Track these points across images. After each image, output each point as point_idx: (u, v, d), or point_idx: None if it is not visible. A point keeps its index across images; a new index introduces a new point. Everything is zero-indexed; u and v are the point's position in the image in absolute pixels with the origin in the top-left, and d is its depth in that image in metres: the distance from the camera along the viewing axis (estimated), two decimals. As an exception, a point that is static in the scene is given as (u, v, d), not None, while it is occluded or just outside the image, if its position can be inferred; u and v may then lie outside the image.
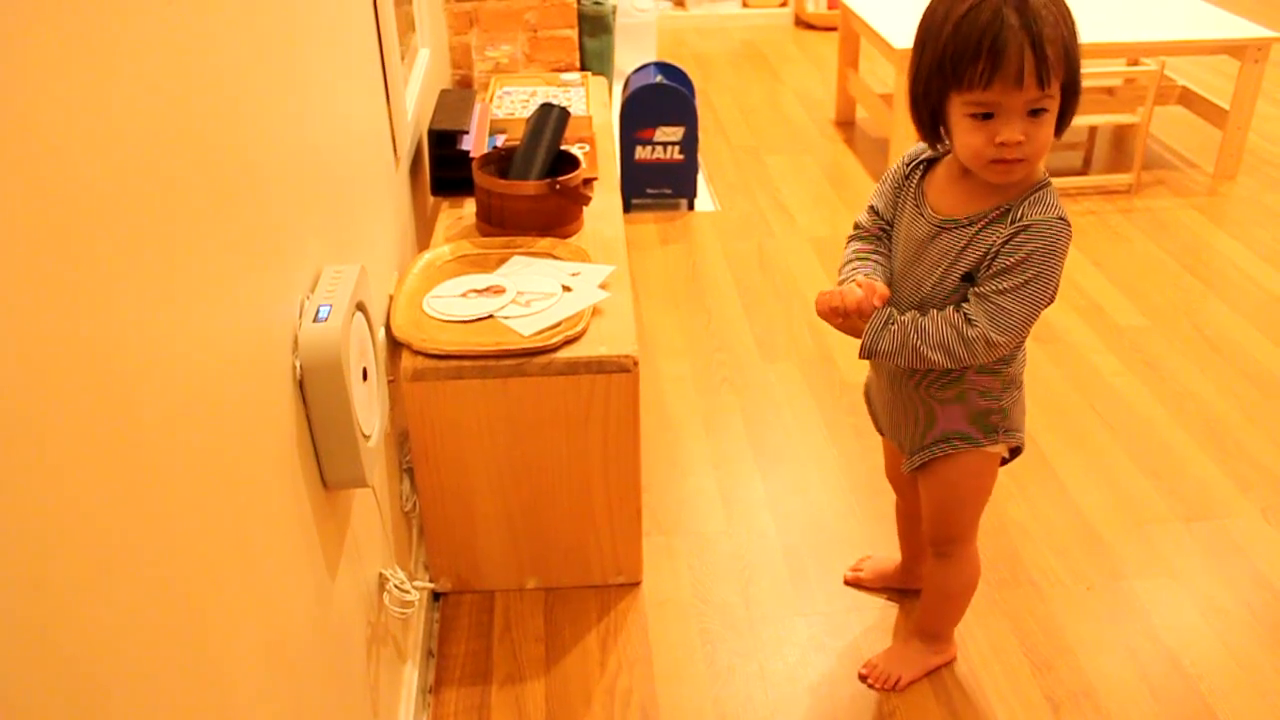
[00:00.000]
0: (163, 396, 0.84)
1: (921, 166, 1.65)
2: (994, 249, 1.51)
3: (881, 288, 1.58)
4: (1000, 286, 1.50)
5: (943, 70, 1.44)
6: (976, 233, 1.53)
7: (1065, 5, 1.44)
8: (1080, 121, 4.03)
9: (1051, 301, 1.56)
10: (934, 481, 1.78)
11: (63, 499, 0.68)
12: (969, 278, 1.55)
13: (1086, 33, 4.08)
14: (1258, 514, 2.35)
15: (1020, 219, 1.49)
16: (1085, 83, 4.34)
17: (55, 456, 0.67)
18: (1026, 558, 2.23)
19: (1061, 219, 1.50)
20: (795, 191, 4.02)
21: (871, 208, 1.73)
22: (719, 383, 2.84)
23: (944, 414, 1.69)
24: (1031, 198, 1.50)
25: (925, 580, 1.96)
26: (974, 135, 1.46)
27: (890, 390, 1.76)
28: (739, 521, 2.35)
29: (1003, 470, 2.43)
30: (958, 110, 1.46)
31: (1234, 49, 3.94)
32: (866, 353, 1.61)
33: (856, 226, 1.75)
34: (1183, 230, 3.70)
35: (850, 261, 1.70)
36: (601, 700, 1.92)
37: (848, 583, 2.17)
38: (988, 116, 1.44)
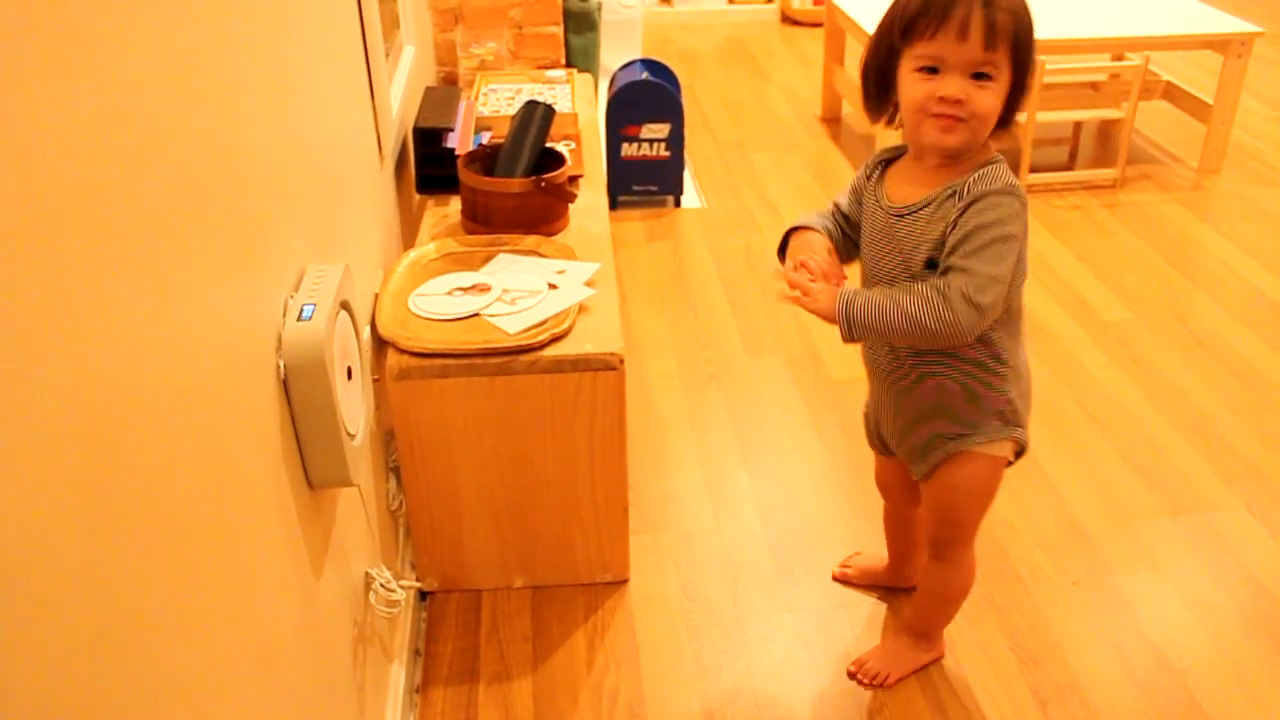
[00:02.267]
0: (145, 396, 0.84)
1: (880, 166, 1.68)
2: (949, 226, 1.52)
3: (836, 266, 1.63)
4: (964, 252, 1.50)
5: (896, 27, 1.50)
6: (931, 213, 1.55)
7: None
8: (1065, 116, 4.05)
9: (1023, 275, 1.58)
10: (939, 485, 1.77)
11: (43, 498, 0.67)
12: (933, 264, 1.55)
13: (1071, 28, 4.07)
14: (1242, 508, 2.36)
15: (968, 192, 1.51)
16: (1070, 78, 4.33)
17: (35, 455, 0.67)
18: (1013, 553, 2.24)
19: (1011, 186, 1.51)
20: (781, 188, 4.02)
21: (836, 205, 1.76)
22: (705, 380, 2.84)
23: (953, 410, 1.68)
24: (978, 174, 1.52)
25: (920, 581, 1.96)
26: (918, 88, 1.49)
27: (895, 398, 1.74)
28: (726, 519, 2.35)
29: (989, 466, 2.44)
30: (906, 68, 1.50)
31: (1218, 44, 3.96)
32: (845, 328, 1.55)
33: (833, 205, 1.77)
34: (1167, 225, 3.71)
35: (811, 222, 1.74)
36: (589, 698, 1.92)
37: (835, 579, 2.17)
38: (933, 71, 1.47)
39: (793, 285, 1.59)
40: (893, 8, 1.52)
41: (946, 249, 1.52)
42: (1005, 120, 1.52)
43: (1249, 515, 2.34)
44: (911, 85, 1.50)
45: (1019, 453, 1.75)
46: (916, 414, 1.73)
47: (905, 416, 1.75)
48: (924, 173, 1.59)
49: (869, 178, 1.69)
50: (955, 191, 1.53)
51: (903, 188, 1.61)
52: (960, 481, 1.74)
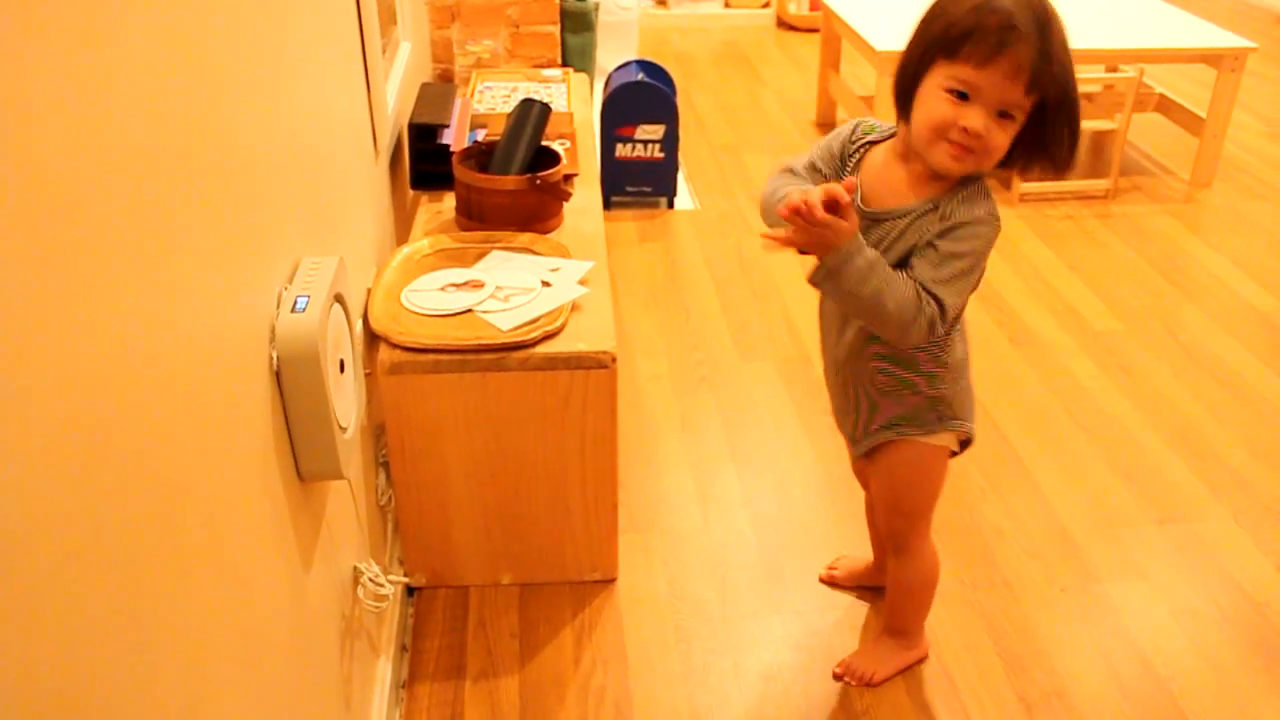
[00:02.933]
0: (136, 385, 0.84)
1: (863, 149, 1.62)
2: (923, 241, 1.51)
3: (850, 181, 1.46)
4: (937, 278, 1.49)
5: (946, 39, 1.43)
6: (906, 226, 1.53)
7: (1069, 43, 1.45)
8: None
9: (974, 290, 1.58)
10: (882, 471, 1.80)
11: (32, 489, 0.67)
12: (899, 267, 1.53)
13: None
14: (1228, 517, 2.37)
15: (950, 216, 1.50)
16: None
17: (25, 446, 0.67)
18: (1001, 559, 2.24)
19: (990, 213, 1.51)
20: (775, 192, 4.02)
21: (812, 164, 1.66)
22: (696, 381, 2.84)
23: (887, 401, 1.70)
24: (962, 194, 1.51)
25: (888, 578, 1.97)
26: (943, 109, 1.44)
27: (837, 375, 1.77)
28: (715, 519, 2.35)
29: (977, 471, 2.46)
30: (936, 81, 1.45)
31: (1211, 58, 3.98)
32: (825, 273, 1.47)
33: (786, 169, 1.68)
34: (1159, 236, 3.73)
35: (778, 184, 1.63)
36: (575, 696, 1.92)
37: (823, 581, 2.18)
38: (962, 97, 1.44)
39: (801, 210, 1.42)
40: (940, 15, 1.46)
41: (919, 260, 1.51)
42: (1053, 158, 1.48)
43: (1235, 525, 2.35)
44: (936, 104, 1.45)
45: (965, 443, 1.76)
46: (856, 399, 1.75)
47: (847, 400, 1.77)
48: (908, 177, 1.55)
49: (850, 155, 1.63)
50: (936, 208, 1.52)
51: (881, 187, 1.57)
52: (900, 468, 1.77)
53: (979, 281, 1.56)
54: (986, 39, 1.40)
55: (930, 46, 1.46)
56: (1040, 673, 1.98)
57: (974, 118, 1.43)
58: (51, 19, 0.72)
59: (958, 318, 1.57)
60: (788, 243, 1.48)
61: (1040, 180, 3.97)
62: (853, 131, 1.64)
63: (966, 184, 1.52)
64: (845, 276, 1.46)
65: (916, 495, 1.81)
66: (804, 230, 1.44)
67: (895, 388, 1.68)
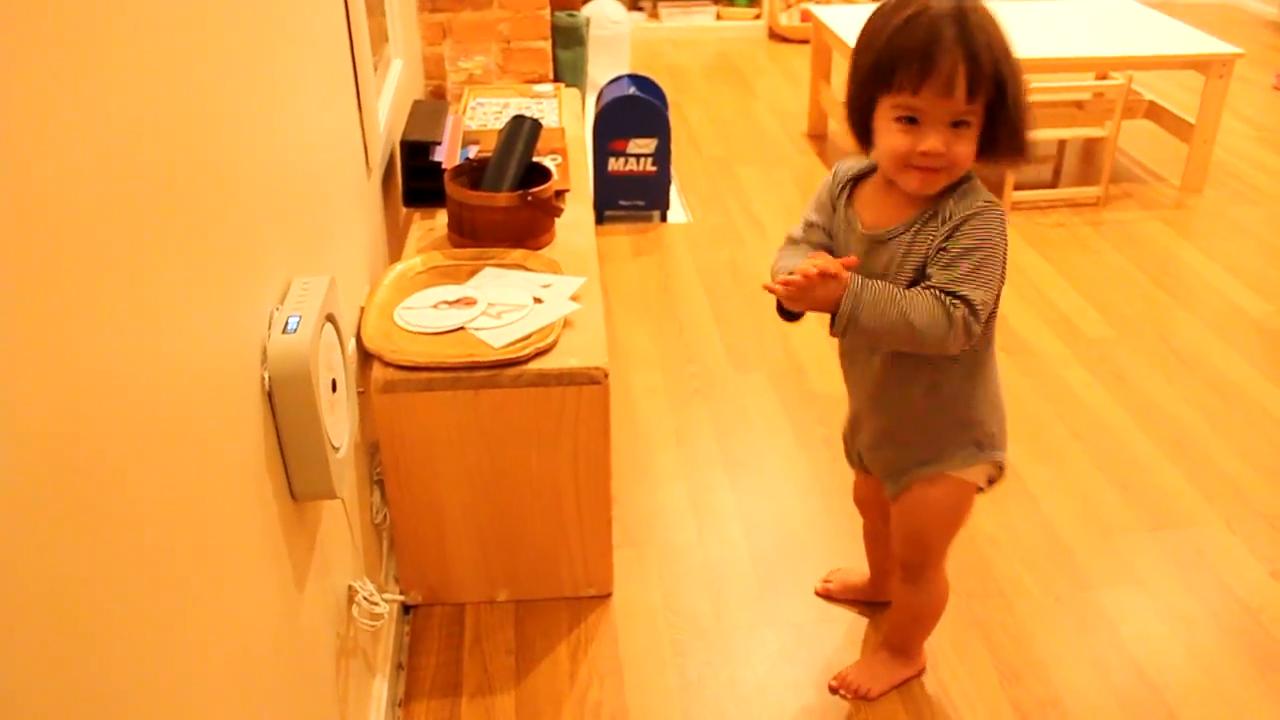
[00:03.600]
0: (128, 405, 0.84)
1: (850, 185, 1.64)
2: (934, 249, 1.51)
3: (840, 260, 1.51)
4: (960, 276, 1.49)
5: (877, 73, 1.46)
6: (912, 239, 1.54)
7: (1000, 25, 1.45)
8: (1050, 135, 4.08)
9: (1003, 281, 1.56)
10: (909, 507, 1.77)
11: (22, 511, 0.68)
12: (913, 285, 1.54)
13: (1056, 48, 4.10)
14: (1222, 523, 2.38)
15: (951, 217, 1.50)
16: (1055, 97, 4.34)
17: (15, 467, 0.67)
18: (996, 569, 2.24)
19: (989, 202, 1.51)
20: (767, 203, 4.04)
21: (809, 223, 1.69)
22: (690, 394, 2.85)
23: (926, 431, 1.69)
24: (957, 194, 1.52)
25: (894, 600, 1.97)
26: (898, 139, 1.47)
27: (871, 409, 1.74)
28: (709, 533, 2.35)
29: (972, 481, 2.45)
30: (885, 113, 1.47)
31: (1199, 64, 4.00)
32: (845, 320, 1.50)
33: (788, 240, 1.71)
34: (1150, 243, 3.74)
35: (784, 255, 1.68)
36: (572, 712, 1.92)
37: (818, 595, 2.18)
38: (912, 121, 1.45)
39: (797, 284, 1.50)
40: (867, 49, 1.48)
41: (937, 268, 1.51)
42: (1004, 147, 1.48)
43: (1228, 531, 2.35)
44: (891, 136, 1.47)
45: (993, 480, 1.75)
46: (893, 432, 1.73)
47: (882, 433, 1.75)
48: (899, 196, 1.56)
49: (838, 198, 1.65)
50: (936, 214, 1.52)
51: (877, 211, 1.59)
52: (929, 504, 1.75)
53: (1004, 273, 1.54)
54: (912, 64, 1.42)
55: (865, 83, 1.49)
56: (1035, 682, 1.98)
57: (929, 140, 1.45)
58: (40, 39, 0.73)
59: (993, 313, 1.54)
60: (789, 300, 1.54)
61: (1020, 185, 3.99)
62: (834, 177, 1.67)
63: (961, 183, 1.53)
64: (862, 317, 1.49)
65: (940, 530, 1.79)
66: (801, 297, 1.50)
67: (933, 412, 1.67)
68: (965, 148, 1.47)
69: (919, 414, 1.68)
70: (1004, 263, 1.53)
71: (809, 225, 1.69)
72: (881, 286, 1.50)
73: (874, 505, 1.97)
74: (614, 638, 2.07)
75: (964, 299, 1.48)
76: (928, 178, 1.49)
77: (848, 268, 1.50)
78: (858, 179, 1.64)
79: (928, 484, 1.72)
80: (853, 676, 1.96)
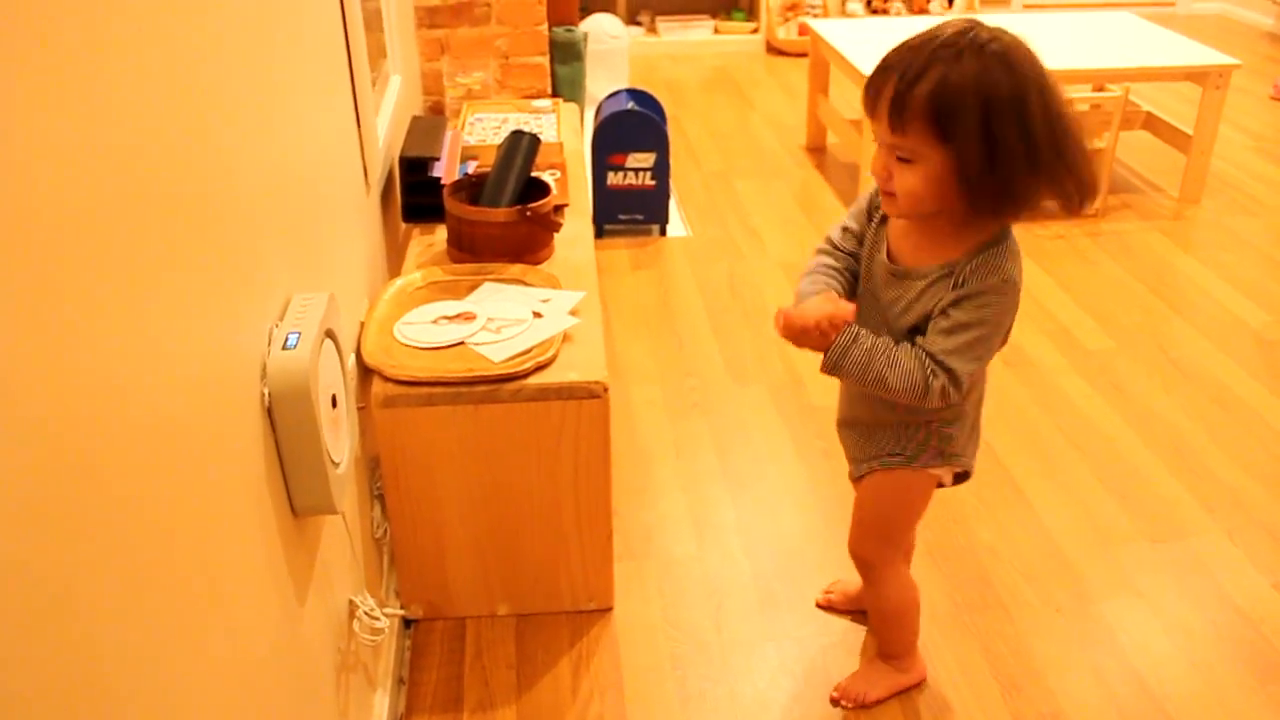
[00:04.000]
0: (128, 423, 0.85)
1: None
2: (939, 308, 1.52)
3: (847, 306, 1.55)
4: (950, 348, 1.50)
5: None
6: (924, 289, 1.54)
7: (1018, 80, 1.38)
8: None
9: (1002, 344, 1.60)
10: (869, 490, 1.82)
11: (22, 527, 0.68)
12: (915, 330, 1.56)
13: (1053, 59, 4.13)
14: (1223, 534, 2.38)
15: (964, 284, 1.49)
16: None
17: (15, 483, 0.67)
18: (996, 580, 2.24)
19: (1005, 282, 1.48)
20: (766, 217, 4.05)
21: (845, 228, 1.71)
22: (689, 407, 2.85)
23: (894, 432, 1.72)
24: (978, 260, 1.49)
25: (869, 615, 2.00)
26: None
27: (850, 399, 1.79)
28: (710, 546, 2.35)
29: (971, 493, 2.46)
30: None
31: (1196, 75, 4.01)
32: (830, 367, 1.57)
33: (827, 241, 1.73)
34: (1148, 253, 3.75)
35: (812, 273, 1.68)
36: (573, 726, 1.92)
37: (820, 606, 2.18)
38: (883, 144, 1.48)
39: (792, 326, 1.57)
40: None
41: (934, 330, 1.52)
42: (983, 203, 1.43)
43: (1229, 542, 2.35)
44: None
45: (961, 477, 1.78)
46: (863, 424, 1.77)
47: (855, 420, 1.79)
48: (924, 235, 1.55)
49: (871, 218, 1.66)
50: (951, 273, 1.50)
51: (904, 243, 1.59)
52: (886, 490, 1.79)
53: (1002, 344, 1.57)
54: (867, 90, 1.45)
55: None
56: (1036, 694, 1.98)
57: (874, 161, 1.48)
58: (39, 54, 0.73)
59: (975, 383, 1.57)
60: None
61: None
62: (875, 198, 1.66)
63: (988, 247, 1.49)
64: (846, 369, 1.56)
65: (895, 519, 1.84)
66: (797, 339, 1.57)
67: (904, 421, 1.70)
68: (908, 180, 1.44)
69: (890, 418, 1.71)
70: (1000, 338, 1.55)
71: (845, 230, 1.71)
72: (869, 345, 1.54)
73: None
74: (615, 651, 2.07)
75: (949, 371, 1.51)
76: (885, 201, 1.52)
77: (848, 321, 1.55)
78: None
79: (887, 472, 1.76)
80: (851, 685, 1.97)
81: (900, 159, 1.44)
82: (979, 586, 2.23)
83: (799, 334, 1.56)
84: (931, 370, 1.51)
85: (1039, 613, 2.17)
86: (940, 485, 1.78)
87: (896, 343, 1.56)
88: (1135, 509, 2.46)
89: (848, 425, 1.82)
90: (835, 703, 1.96)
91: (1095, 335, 3.21)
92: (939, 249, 1.53)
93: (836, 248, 1.71)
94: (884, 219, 1.64)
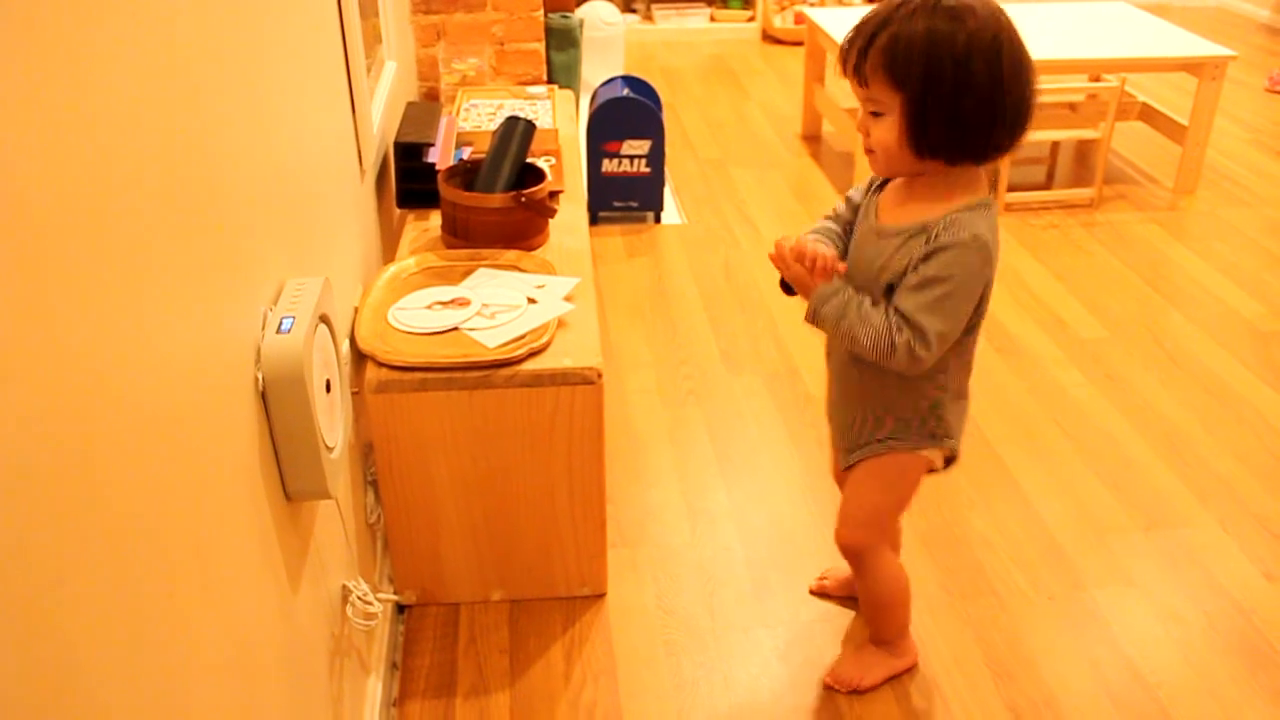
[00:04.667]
0: (122, 406, 0.84)
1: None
2: (911, 263, 1.55)
3: (837, 262, 1.63)
4: (919, 304, 1.54)
5: None
6: (900, 245, 1.57)
7: (957, 37, 1.44)
8: (1043, 136, 4.08)
9: (983, 314, 1.61)
10: (857, 477, 1.83)
11: (13, 513, 0.68)
12: (892, 288, 1.59)
13: (1050, 49, 4.10)
14: (1215, 524, 2.38)
15: (935, 239, 1.53)
16: (1048, 99, 4.34)
17: (5, 469, 0.67)
18: (989, 568, 2.25)
19: (975, 238, 1.52)
20: (761, 205, 4.05)
21: (848, 198, 1.78)
22: (684, 395, 2.85)
23: (884, 414, 1.73)
24: (950, 218, 1.53)
25: (859, 600, 2.01)
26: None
27: (841, 386, 1.80)
28: (703, 533, 2.36)
29: (965, 481, 2.47)
30: None
31: (1192, 66, 4.01)
32: (810, 315, 1.64)
33: (831, 210, 1.80)
34: (1143, 244, 3.75)
35: (813, 231, 1.75)
36: (566, 712, 1.92)
37: (813, 593, 2.18)
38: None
39: (785, 259, 1.64)
40: None
41: (903, 287, 1.56)
42: (936, 145, 1.50)
43: (1222, 531, 2.36)
44: None
45: (949, 460, 1.79)
46: (851, 410, 1.78)
47: (843, 407, 1.81)
48: (908, 198, 1.61)
49: (869, 186, 1.73)
50: (925, 229, 1.54)
51: (891, 207, 1.64)
52: (878, 475, 1.80)
53: (978, 309, 1.59)
54: (841, 52, 1.54)
55: None
56: (1029, 682, 1.99)
57: (859, 119, 1.57)
58: (34, 39, 0.73)
59: (947, 342, 1.57)
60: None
61: (1014, 186, 4.00)
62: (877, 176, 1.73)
63: (965, 210, 1.54)
64: (823, 317, 1.62)
65: (885, 504, 1.85)
66: (785, 269, 1.64)
67: (892, 401, 1.71)
68: (881, 134, 1.53)
69: (878, 400, 1.72)
70: (978, 298, 1.57)
71: (848, 200, 1.79)
72: (846, 298, 1.59)
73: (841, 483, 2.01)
74: (608, 638, 2.08)
75: (915, 326, 1.54)
76: (871, 161, 1.59)
77: (837, 272, 1.62)
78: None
79: (876, 458, 1.77)
80: (843, 670, 1.98)
81: (873, 114, 1.53)
82: (972, 574, 2.23)
83: (790, 259, 1.63)
84: (897, 326, 1.55)
85: (1032, 600, 2.17)
86: (932, 470, 1.79)
87: (875, 301, 1.60)
88: (1128, 498, 2.47)
89: (837, 413, 1.83)
90: (829, 688, 1.97)
91: (1089, 325, 3.21)
92: (920, 210, 1.58)
93: (838, 215, 1.79)
94: (879, 188, 1.69)
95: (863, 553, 1.89)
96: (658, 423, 2.73)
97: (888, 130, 1.51)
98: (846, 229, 1.76)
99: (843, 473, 1.89)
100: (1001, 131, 1.49)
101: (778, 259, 1.64)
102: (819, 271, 1.61)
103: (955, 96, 1.46)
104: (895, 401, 1.71)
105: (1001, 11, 1.48)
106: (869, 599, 1.98)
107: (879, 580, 1.92)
